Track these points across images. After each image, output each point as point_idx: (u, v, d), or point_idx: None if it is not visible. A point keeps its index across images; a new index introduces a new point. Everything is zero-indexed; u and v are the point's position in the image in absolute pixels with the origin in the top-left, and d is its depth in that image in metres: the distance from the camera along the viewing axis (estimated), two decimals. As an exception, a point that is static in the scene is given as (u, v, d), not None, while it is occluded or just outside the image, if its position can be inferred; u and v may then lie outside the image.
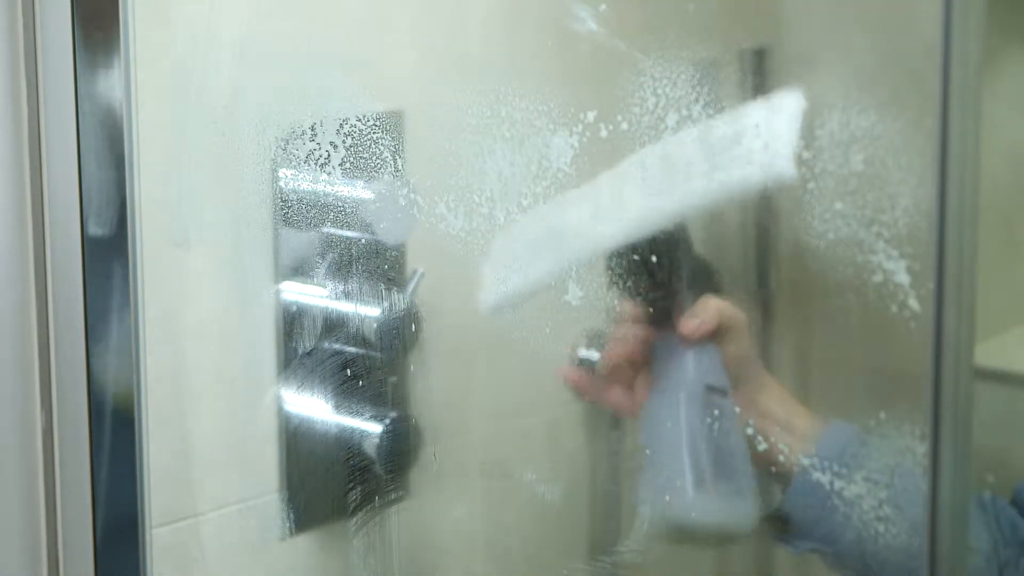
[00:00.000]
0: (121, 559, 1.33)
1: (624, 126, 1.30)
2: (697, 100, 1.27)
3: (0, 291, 1.29)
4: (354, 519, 1.54)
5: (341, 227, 1.50)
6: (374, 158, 1.52)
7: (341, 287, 1.51)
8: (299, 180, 1.49)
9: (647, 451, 1.33)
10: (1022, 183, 1.67)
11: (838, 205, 1.17)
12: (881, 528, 1.26)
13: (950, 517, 1.04)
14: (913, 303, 1.11)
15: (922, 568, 1.06)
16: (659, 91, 1.28)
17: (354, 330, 1.50)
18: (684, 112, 1.27)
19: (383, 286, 1.53)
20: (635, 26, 1.31)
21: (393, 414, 1.52)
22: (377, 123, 1.53)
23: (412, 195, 1.50)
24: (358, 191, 1.48)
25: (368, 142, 1.52)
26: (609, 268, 1.35)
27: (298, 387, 1.49)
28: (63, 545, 1.32)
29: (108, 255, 1.30)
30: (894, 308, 1.13)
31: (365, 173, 1.51)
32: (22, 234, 1.29)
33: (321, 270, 1.50)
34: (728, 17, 1.40)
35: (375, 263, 1.54)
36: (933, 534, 1.04)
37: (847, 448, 1.36)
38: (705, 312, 1.32)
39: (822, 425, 1.39)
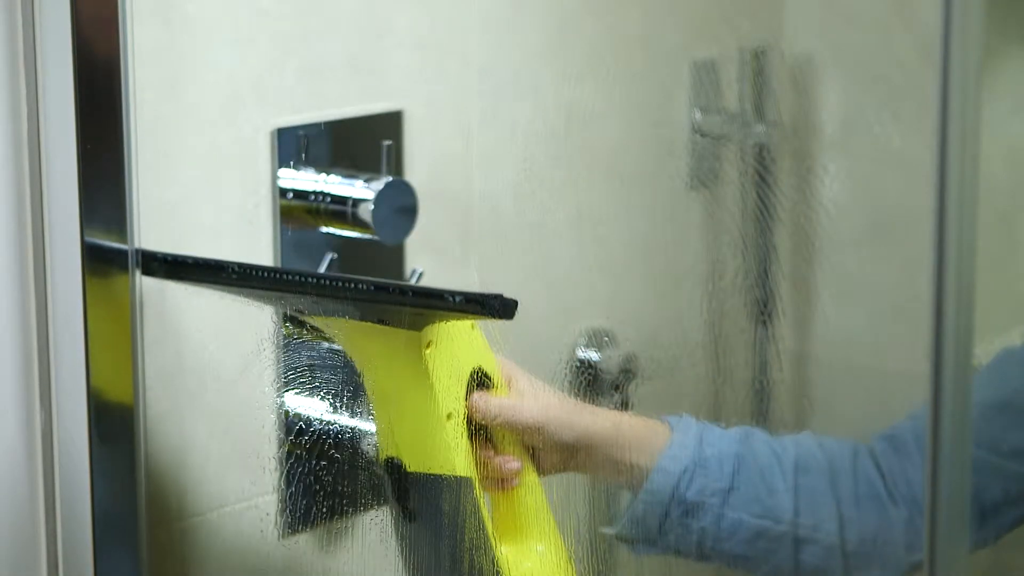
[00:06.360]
0: (120, 559, 1.33)
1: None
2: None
3: (0, 291, 1.29)
4: (353, 518, 1.54)
5: (340, 227, 1.49)
6: (373, 157, 1.52)
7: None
8: (299, 179, 1.49)
9: None
10: (1022, 183, 1.67)
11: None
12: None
13: (950, 517, 1.04)
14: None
15: (922, 568, 1.06)
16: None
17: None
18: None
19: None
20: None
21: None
22: (376, 123, 1.53)
23: (411, 194, 1.50)
24: (358, 190, 1.48)
25: (367, 141, 1.52)
26: None
27: (297, 386, 1.49)
28: (62, 545, 1.32)
29: (107, 255, 1.30)
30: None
31: (365, 172, 1.50)
32: (22, 235, 1.29)
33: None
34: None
35: (374, 263, 1.54)
36: (933, 534, 1.04)
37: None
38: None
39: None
